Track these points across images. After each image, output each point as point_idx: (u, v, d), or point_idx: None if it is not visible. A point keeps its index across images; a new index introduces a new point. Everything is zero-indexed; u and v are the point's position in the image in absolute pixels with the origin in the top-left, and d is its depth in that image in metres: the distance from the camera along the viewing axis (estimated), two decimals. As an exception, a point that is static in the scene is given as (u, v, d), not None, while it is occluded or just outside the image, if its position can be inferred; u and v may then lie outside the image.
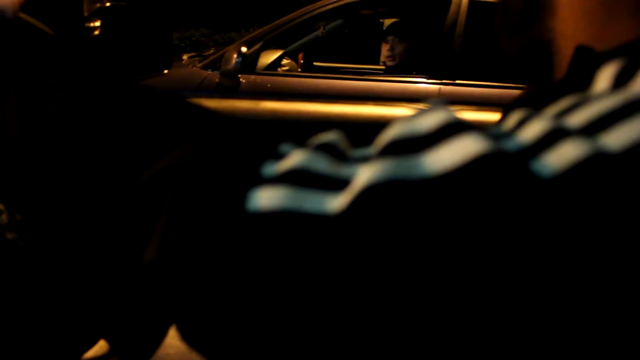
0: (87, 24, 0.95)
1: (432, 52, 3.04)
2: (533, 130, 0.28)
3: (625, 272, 0.25)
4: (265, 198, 0.29)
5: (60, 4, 0.89)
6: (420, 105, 1.69)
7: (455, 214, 0.25)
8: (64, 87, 0.45)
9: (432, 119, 0.29)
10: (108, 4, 1.03)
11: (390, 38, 3.37)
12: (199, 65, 3.07)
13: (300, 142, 0.34)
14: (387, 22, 5.53)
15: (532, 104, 0.49)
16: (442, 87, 2.85)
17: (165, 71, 1.02)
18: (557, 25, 0.46)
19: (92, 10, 0.97)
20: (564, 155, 0.25)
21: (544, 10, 0.46)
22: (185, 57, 3.44)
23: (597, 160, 0.25)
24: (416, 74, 3.03)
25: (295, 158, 0.31)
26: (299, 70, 3.50)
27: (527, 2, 0.48)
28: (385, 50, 3.43)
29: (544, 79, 0.49)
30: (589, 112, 0.28)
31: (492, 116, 1.10)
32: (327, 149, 0.31)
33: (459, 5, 2.99)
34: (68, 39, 0.80)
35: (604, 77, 0.32)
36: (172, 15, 1.09)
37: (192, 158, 0.35)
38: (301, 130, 1.25)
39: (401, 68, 3.32)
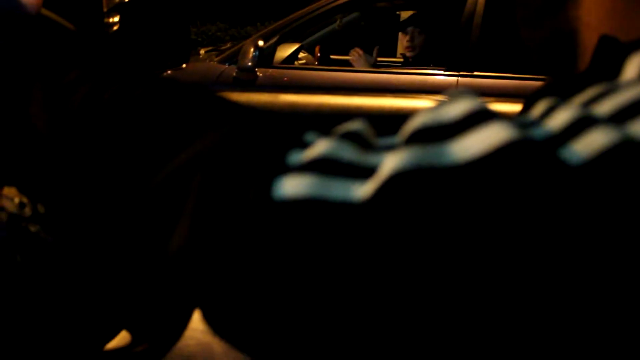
0: (106, 20, 0.96)
1: (450, 43, 3.02)
2: (560, 118, 0.27)
3: None
4: (292, 186, 0.29)
5: (81, 0, 0.90)
6: (439, 97, 1.69)
7: (483, 202, 0.25)
8: (89, 79, 0.45)
9: (459, 108, 0.28)
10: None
11: (409, 29, 3.36)
12: (216, 59, 3.08)
13: (323, 132, 0.34)
14: (404, 14, 5.52)
15: (556, 94, 0.48)
16: (460, 78, 2.83)
17: (184, 65, 1.02)
18: (581, 16, 0.45)
19: (112, 6, 0.98)
20: (592, 142, 0.25)
21: (567, 1, 0.46)
22: (202, 51, 3.46)
23: (626, 148, 0.25)
24: (434, 66, 3.00)
25: (320, 146, 0.31)
26: (316, 63, 3.49)
27: None
28: (404, 41, 3.43)
29: (567, 70, 0.48)
30: (617, 100, 0.27)
31: (511, 108, 1.09)
32: (353, 138, 0.31)
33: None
34: (89, 33, 0.81)
35: (632, 66, 0.31)
36: (189, 10, 1.10)
37: (220, 146, 0.35)
38: (321, 122, 1.25)
39: (420, 60, 3.31)
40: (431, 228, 0.25)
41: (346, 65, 3.51)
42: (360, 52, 3.32)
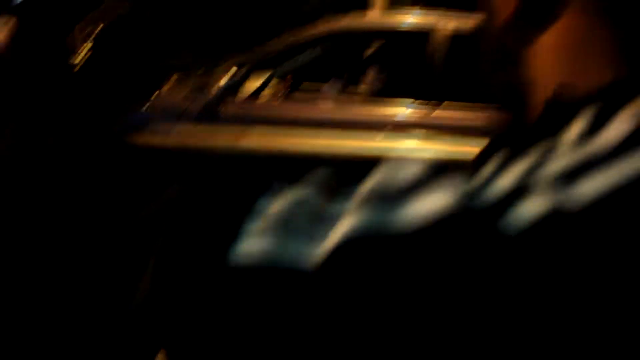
0: (79, 48, 0.99)
1: (416, 77, 3.11)
2: (504, 182, 0.30)
3: (584, 326, 0.27)
4: (252, 243, 0.31)
5: (49, 36, 0.94)
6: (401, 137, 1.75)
7: (427, 268, 0.27)
8: (52, 133, 0.48)
9: (408, 172, 0.31)
10: (99, 29, 1.06)
11: (376, 62, 3.46)
12: (184, 90, 3.12)
13: (285, 179, 0.38)
14: (373, 46, 5.63)
15: (502, 152, 0.54)
16: (425, 111, 2.91)
17: (147, 104, 1.07)
18: (535, 67, 0.48)
19: (84, 36, 1.00)
20: (532, 208, 0.27)
21: (523, 52, 0.48)
22: (171, 80, 3.48)
23: (558, 217, 0.27)
24: (399, 98, 3.09)
25: (276, 209, 0.33)
26: (286, 93, 3.56)
27: (505, 43, 0.50)
28: (370, 74, 3.51)
29: (525, 115, 0.52)
30: (554, 166, 0.30)
31: (473, 141, 1.16)
32: (309, 198, 0.34)
33: (442, 31, 3.07)
34: (55, 72, 0.83)
35: (575, 126, 0.34)
36: (157, 47, 1.14)
37: (181, 207, 0.38)
38: (285, 162, 1.30)
39: (385, 92, 3.38)
40: (379, 292, 0.28)
41: (316, 93, 3.58)
42: (332, 82, 3.39)
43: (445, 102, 2.92)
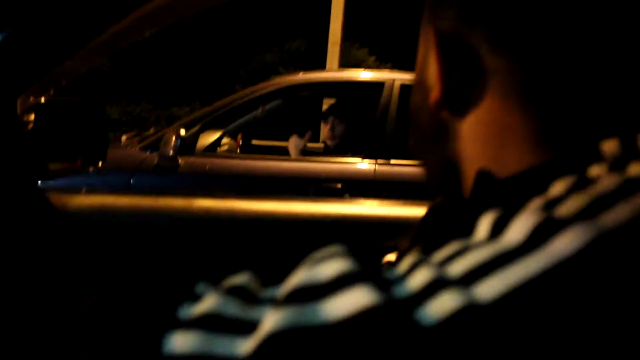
0: (23, 119, 0.97)
1: (368, 133, 3.17)
2: (419, 278, 0.31)
3: None
4: (180, 341, 0.32)
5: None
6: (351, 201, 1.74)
7: None
8: None
9: (331, 269, 0.32)
10: (42, 100, 1.05)
11: (330, 118, 3.48)
12: (138, 146, 3.08)
13: (213, 281, 0.38)
14: (327, 102, 5.74)
15: (434, 225, 0.54)
16: (377, 167, 2.94)
17: (100, 164, 1.04)
18: (461, 148, 0.51)
19: (27, 106, 0.99)
20: (442, 306, 0.29)
21: (449, 134, 0.51)
22: (124, 137, 3.45)
23: (469, 311, 0.28)
24: (352, 154, 3.12)
25: (208, 302, 0.34)
26: (238, 150, 3.55)
27: (435, 126, 0.53)
28: (325, 130, 3.53)
29: (452, 192, 0.54)
30: (465, 263, 0.32)
31: (421, 199, 1.18)
32: (238, 292, 0.35)
33: (392, 89, 3.16)
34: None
35: (484, 225, 0.36)
36: (106, 112, 1.12)
37: (113, 299, 0.38)
38: (235, 229, 1.27)
39: (341, 148, 3.42)
40: None
41: (267, 151, 3.59)
42: (294, 137, 3.42)
43: (398, 158, 2.96)
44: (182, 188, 2.88)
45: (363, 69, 3.50)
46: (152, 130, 3.64)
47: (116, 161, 2.90)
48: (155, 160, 2.93)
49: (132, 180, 2.85)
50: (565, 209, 0.33)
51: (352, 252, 0.34)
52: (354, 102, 3.65)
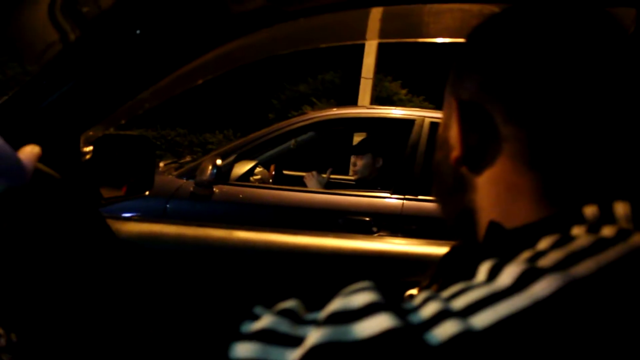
0: (82, 150, 1.08)
1: (397, 169, 3.24)
2: (429, 309, 0.41)
3: None
4: (243, 350, 0.42)
5: (62, 145, 1.03)
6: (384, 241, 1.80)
7: None
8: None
9: (361, 299, 0.42)
10: (100, 134, 1.17)
11: (360, 153, 3.58)
12: (175, 173, 3.21)
13: (268, 304, 0.48)
14: (358, 137, 5.83)
15: (451, 265, 0.64)
16: (405, 202, 3.00)
17: (147, 193, 1.15)
18: (477, 199, 0.58)
19: (87, 138, 1.10)
20: (446, 330, 0.38)
21: (466, 187, 0.59)
22: (162, 164, 3.58)
23: (466, 335, 0.38)
24: (381, 189, 3.19)
25: (264, 321, 0.44)
26: (271, 180, 3.65)
27: (455, 179, 0.61)
28: (354, 164, 3.64)
29: (467, 236, 0.62)
30: (466, 299, 0.41)
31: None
32: (288, 314, 0.45)
33: (422, 126, 3.24)
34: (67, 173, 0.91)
35: (484, 269, 0.45)
36: (154, 146, 1.23)
37: (189, 320, 0.49)
38: (272, 260, 1.36)
39: (369, 182, 3.51)
40: None
41: (299, 181, 3.69)
42: (314, 173, 3.51)
43: (426, 194, 3.01)
44: (216, 215, 2.98)
45: (394, 107, 3.60)
46: (188, 158, 3.78)
47: (154, 187, 3.02)
48: (191, 188, 3.04)
49: (168, 206, 2.96)
50: (546, 261, 0.42)
51: (378, 286, 0.44)
52: (384, 137, 3.73)
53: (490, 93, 0.55)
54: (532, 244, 0.46)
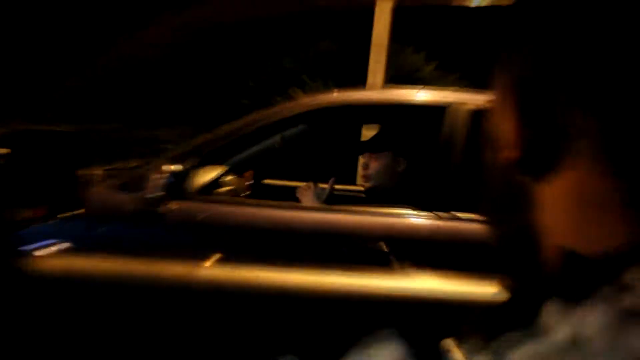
0: None
1: (424, 175, 3.22)
2: None
3: None
4: None
5: None
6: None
7: None
8: None
9: (386, 356, 0.42)
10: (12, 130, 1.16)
11: (373, 155, 3.57)
12: (112, 184, 3.19)
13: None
14: (367, 131, 5.80)
15: (505, 313, 0.64)
16: (437, 222, 2.98)
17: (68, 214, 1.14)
18: (540, 218, 0.59)
19: None
20: None
21: (526, 200, 0.59)
22: (95, 172, 3.56)
23: None
24: (403, 204, 3.17)
25: None
26: (248, 193, 3.64)
27: (510, 189, 0.61)
28: (366, 167, 3.61)
29: (526, 268, 0.62)
30: None
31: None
32: None
33: (457, 116, 3.21)
34: None
35: (565, 327, 0.44)
36: (82, 146, 1.23)
37: None
38: (254, 306, 1.34)
39: (387, 194, 3.49)
40: None
41: (287, 195, 3.67)
42: (311, 184, 3.49)
43: (466, 210, 3.00)
44: (171, 243, 2.96)
45: (419, 87, 3.57)
46: (132, 164, 3.75)
47: (87, 205, 3.00)
48: (135, 205, 3.02)
49: (104, 231, 2.94)
50: None
51: (404, 338, 0.44)
52: (406, 131, 3.71)
53: (560, 72, 0.54)
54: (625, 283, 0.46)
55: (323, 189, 3.57)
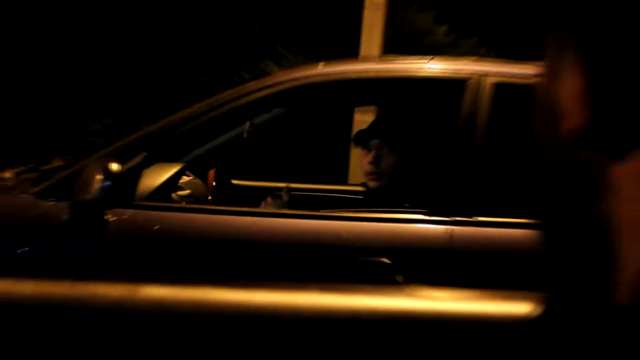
0: None
1: (437, 170, 3.26)
2: None
3: None
4: None
5: None
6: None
7: None
8: None
9: None
10: None
11: (374, 144, 3.59)
12: (33, 190, 3.23)
13: None
14: (362, 116, 5.82)
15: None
16: (454, 228, 3.04)
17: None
18: (614, 208, 0.57)
19: None
20: None
21: (594, 184, 0.58)
22: (8, 174, 3.57)
23: None
24: (410, 206, 3.21)
25: None
26: (210, 197, 3.66)
27: (571, 170, 0.60)
28: (365, 162, 3.62)
29: (593, 285, 0.60)
30: None
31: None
32: None
33: (478, 92, 3.25)
34: None
35: None
36: None
37: None
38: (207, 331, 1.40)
39: (390, 194, 3.55)
40: None
41: (258, 198, 3.70)
42: (269, 199, 3.53)
43: (488, 215, 3.05)
44: (110, 263, 2.99)
45: (428, 57, 3.60)
46: (57, 163, 3.77)
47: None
48: (65, 216, 3.05)
49: (24, 249, 2.96)
50: None
51: None
52: (411, 115, 3.75)
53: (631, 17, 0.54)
54: None
55: (282, 198, 3.60)
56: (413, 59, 3.59)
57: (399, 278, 2.95)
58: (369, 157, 3.60)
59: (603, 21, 0.54)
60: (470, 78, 3.33)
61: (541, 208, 0.65)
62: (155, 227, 3.09)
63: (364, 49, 8.90)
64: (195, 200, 3.41)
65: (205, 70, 11.34)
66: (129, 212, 3.12)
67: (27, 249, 2.99)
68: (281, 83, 3.44)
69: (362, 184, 3.82)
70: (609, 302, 0.55)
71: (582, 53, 0.55)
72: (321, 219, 3.17)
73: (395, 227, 3.11)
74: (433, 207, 3.13)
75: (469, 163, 3.17)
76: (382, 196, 3.55)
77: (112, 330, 1.44)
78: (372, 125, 3.77)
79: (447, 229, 3.06)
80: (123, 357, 1.45)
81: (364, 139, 3.70)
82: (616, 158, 0.54)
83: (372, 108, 5.58)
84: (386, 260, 2.97)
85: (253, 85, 3.47)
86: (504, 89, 3.22)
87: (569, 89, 0.57)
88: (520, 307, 1.39)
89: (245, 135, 3.85)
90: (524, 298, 1.42)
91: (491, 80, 3.30)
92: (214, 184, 3.75)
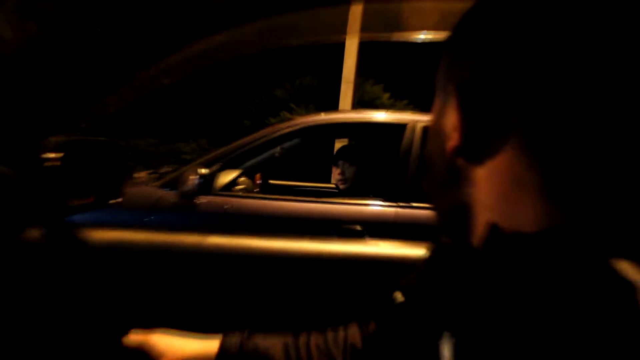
0: (46, 157, 1.09)
1: (388, 175, 3.29)
2: None
3: None
4: None
5: (18, 145, 1.05)
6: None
7: None
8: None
9: None
10: (66, 139, 1.18)
11: (340, 162, 3.65)
12: (157, 184, 3.24)
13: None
14: (339, 144, 5.87)
15: (440, 266, 0.65)
16: (399, 210, 3.06)
17: (112, 202, 1.17)
18: (475, 194, 0.56)
19: (50, 145, 1.12)
20: None
21: (462, 180, 0.57)
22: (141, 174, 3.59)
23: None
24: (372, 197, 3.24)
25: None
26: (256, 190, 3.68)
27: (449, 171, 0.58)
28: (336, 173, 3.69)
29: (460, 235, 0.60)
30: None
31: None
32: None
33: (414, 131, 3.30)
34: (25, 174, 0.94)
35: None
36: (126, 152, 1.25)
37: None
38: (249, 266, 1.41)
39: (352, 191, 3.57)
40: None
41: (287, 190, 3.71)
42: (246, 180, 3.55)
43: (420, 202, 3.07)
44: (201, 227, 3.00)
45: (385, 110, 3.63)
46: (169, 168, 3.79)
47: (133, 198, 3.05)
48: (174, 199, 3.08)
49: (149, 218, 2.98)
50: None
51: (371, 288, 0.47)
52: (366, 144, 3.77)
53: (492, 76, 0.52)
54: (542, 257, 0.46)
55: (253, 183, 3.61)
56: (374, 112, 3.61)
57: (366, 237, 2.97)
58: (338, 170, 3.67)
59: (472, 86, 0.53)
60: (408, 123, 3.37)
61: (433, 195, 0.64)
62: (225, 207, 3.11)
63: (341, 105, 8.91)
64: (247, 192, 3.42)
65: (249, 117, 11.38)
66: (209, 198, 3.13)
67: (152, 217, 2.99)
68: (298, 124, 3.46)
69: (335, 185, 3.88)
70: (469, 244, 0.57)
71: (459, 104, 0.54)
72: (320, 203, 3.18)
73: (365, 208, 3.11)
74: (386, 197, 3.15)
75: (408, 172, 3.20)
76: (347, 193, 3.58)
77: (191, 261, 1.45)
78: (339, 151, 3.78)
79: (395, 210, 3.09)
80: (196, 281, 1.45)
81: (334, 159, 3.74)
82: (474, 163, 0.55)
83: (346, 139, 5.69)
84: (359, 227, 3.01)
85: (282, 125, 3.49)
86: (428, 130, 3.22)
87: (450, 122, 0.57)
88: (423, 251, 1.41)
89: (277, 154, 3.88)
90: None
91: (421, 124, 3.34)
92: (258, 182, 3.77)
